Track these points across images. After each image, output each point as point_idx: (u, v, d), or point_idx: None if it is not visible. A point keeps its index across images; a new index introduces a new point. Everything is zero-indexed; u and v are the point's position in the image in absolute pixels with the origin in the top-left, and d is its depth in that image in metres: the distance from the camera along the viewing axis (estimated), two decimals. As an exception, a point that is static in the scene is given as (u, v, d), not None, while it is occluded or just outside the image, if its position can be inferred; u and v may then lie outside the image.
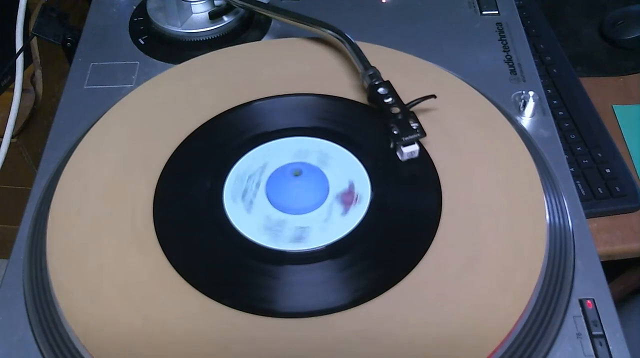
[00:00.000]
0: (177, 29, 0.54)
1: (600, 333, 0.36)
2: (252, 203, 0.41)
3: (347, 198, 0.40)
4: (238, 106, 0.47)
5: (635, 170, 0.61)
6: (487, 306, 0.35)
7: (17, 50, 0.57)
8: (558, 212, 0.41)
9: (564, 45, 0.71)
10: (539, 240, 0.38)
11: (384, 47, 0.51)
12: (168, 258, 0.38)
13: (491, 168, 0.42)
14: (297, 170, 0.42)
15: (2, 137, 0.56)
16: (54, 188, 0.42)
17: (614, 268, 0.60)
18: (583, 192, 0.57)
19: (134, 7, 0.58)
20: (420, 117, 0.43)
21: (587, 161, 0.60)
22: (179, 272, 0.37)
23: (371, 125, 0.45)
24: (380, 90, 0.44)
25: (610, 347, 0.35)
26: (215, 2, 0.54)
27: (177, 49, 0.54)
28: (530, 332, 0.35)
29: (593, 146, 0.61)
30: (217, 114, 0.46)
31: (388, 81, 0.45)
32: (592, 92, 0.66)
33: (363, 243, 0.39)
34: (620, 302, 0.67)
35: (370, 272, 0.37)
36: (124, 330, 0.35)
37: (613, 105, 0.67)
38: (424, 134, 0.42)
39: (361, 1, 0.59)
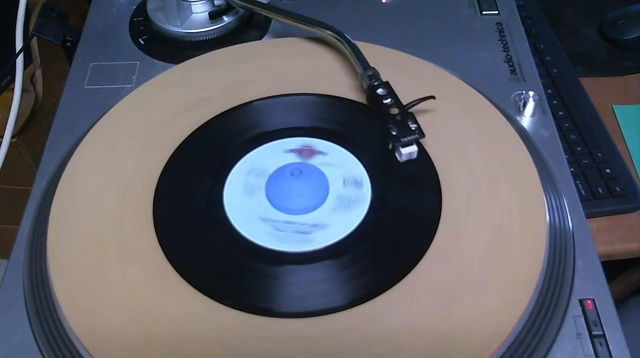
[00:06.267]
0: (177, 29, 0.54)
1: (600, 333, 0.36)
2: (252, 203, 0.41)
3: (304, 153, 0.41)
4: (238, 106, 0.47)
5: (635, 170, 0.61)
6: (487, 306, 0.35)
7: (17, 50, 0.57)
8: (558, 212, 0.41)
9: (564, 45, 0.71)
10: (539, 240, 0.38)
11: (384, 47, 0.51)
12: (168, 258, 0.38)
13: (491, 168, 0.42)
14: (296, 170, 0.42)
15: (2, 137, 0.56)
16: (54, 189, 0.42)
17: (614, 268, 0.60)
18: (583, 192, 0.57)
19: (134, 7, 0.58)
20: (420, 118, 0.43)
21: (587, 161, 0.60)
22: (179, 272, 0.37)
23: (371, 125, 0.45)
24: (379, 91, 0.44)
25: (610, 347, 0.35)
26: (215, 2, 0.54)
27: (177, 49, 0.54)
28: (530, 332, 0.35)
29: (593, 146, 0.61)
30: (217, 114, 0.46)
31: (387, 82, 0.45)
32: (592, 92, 0.66)
33: (363, 244, 0.39)
34: (620, 302, 0.67)
35: (370, 272, 0.37)
36: (124, 330, 0.35)
37: (613, 105, 0.67)
38: (422, 135, 0.42)
39: (361, 1, 0.59)
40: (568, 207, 0.42)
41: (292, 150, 0.44)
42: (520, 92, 0.49)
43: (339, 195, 0.41)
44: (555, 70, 0.67)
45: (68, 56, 0.57)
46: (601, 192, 0.57)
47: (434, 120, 0.45)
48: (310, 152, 0.43)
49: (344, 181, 0.42)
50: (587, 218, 0.41)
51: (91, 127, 0.46)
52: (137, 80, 0.51)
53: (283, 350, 0.34)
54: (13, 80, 0.61)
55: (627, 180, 0.58)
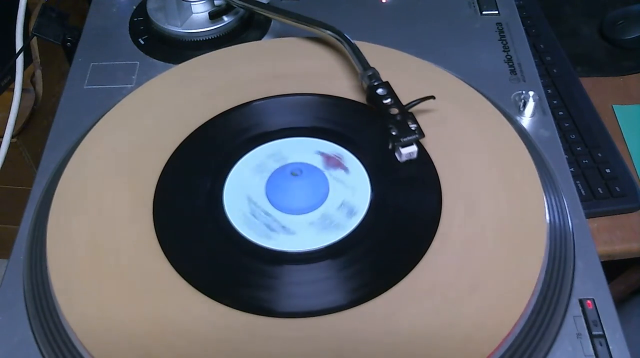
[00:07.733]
0: (177, 29, 0.54)
1: (600, 333, 0.36)
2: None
3: (332, 161, 0.41)
4: (238, 106, 0.47)
5: (635, 170, 0.61)
6: (487, 306, 0.35)
7: (17, 50, 0.57)
8: (558, 212, 0.41)
9: (564, 45, 0.71)
10: (539, 240, 0.38)
11: (384, 47, 0.51)
12: (168, 259, 0.38)
13: (491, 168, 0.42)
14: (296, 170, 0.42)
15: (2, 137, 0.56)
16: (54, 189, 0.42)
17: (614, 268, 0.60)
18: (583, 192, 0.57)
19: (134, 7, 0.58)
20: (420, 118, 0.43)
21: (587, 161, 0.60)
22: (179, 272, 0.37)
23: (371, 125, 0.45)
24: (379, 91, 0.44)
25: (610, 347, 0.35)
26: (215, 2, 0.54)
27: (177, 49, 0.54)
28: (530, 332, 0.35)
29: (593, 146, 0.61)
30: (217, 114, 0.46)
31: (387, 82, 0.45)
32: (592, 92, 0.66)
33: (362, 244, 0.39)
34: (620, 302, 0.67)
35: (370, 272, 0.37)
36: (124, 330, 0.35)
37: (613, 105, 0.67)
38: (422, 135, 0.42)
39: (361, 1, 0.59)
40: (568, 207, 0.42)
41: (321, 154, 0.43)
42: (520, 92, 0.49)
43: (327, 214, 0.40)
44: (555, 70, 0.67)
45: (68, 56, 0.57)
46: (601, 192, 0.57)
47: (434, 120, 0.45)
48: (337, 163, 0.42)
49: (342, 204, 0.41)
50: (587, 218, 0.41)
51: (91, 127, 0.46)
52: (137, 80, 0.51)
53: (283, 350, 0.34)
54: (13, 80, 0.61)
55: (627, 180, 0.58)
